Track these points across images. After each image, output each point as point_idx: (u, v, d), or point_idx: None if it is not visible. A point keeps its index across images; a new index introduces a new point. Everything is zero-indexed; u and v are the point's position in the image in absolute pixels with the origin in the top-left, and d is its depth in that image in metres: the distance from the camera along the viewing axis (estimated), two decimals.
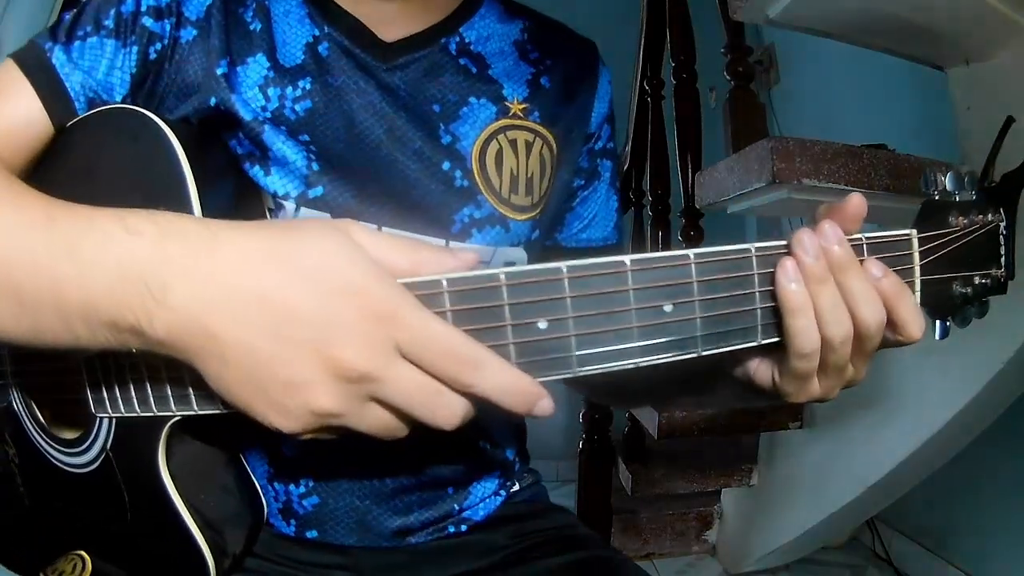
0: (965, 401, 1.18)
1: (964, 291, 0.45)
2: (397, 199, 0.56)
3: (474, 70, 0.60)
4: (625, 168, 2.06)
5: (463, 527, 0.64)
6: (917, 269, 0.44)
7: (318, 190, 0.54)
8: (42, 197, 0.40)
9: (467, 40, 0.61)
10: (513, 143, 0.59)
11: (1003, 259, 0.46)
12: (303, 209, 0.54)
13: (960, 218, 0.45)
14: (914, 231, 0.44)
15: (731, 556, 1.85)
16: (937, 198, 0.45)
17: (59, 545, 0.55)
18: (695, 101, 1.70)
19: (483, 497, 0.65)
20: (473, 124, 0.58)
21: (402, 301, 0.33)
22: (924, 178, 0.45)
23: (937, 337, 0.46)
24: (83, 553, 0.53)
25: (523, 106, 0.60)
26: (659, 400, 1.37)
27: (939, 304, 0.45)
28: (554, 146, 0.61)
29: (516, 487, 0.69)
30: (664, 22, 1.81)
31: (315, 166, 0.54)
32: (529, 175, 0.59)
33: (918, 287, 0.44)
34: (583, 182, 0.67)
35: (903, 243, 0.43)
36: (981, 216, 0.45)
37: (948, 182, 0.45)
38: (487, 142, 0.58)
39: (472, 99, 0.59)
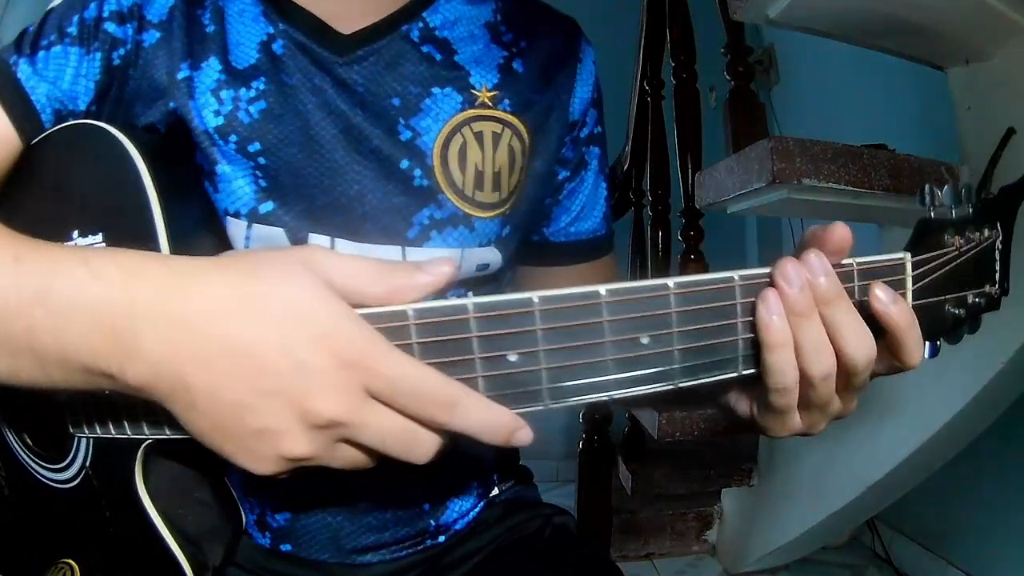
0: (965, 401, 1.17)
1: (957, 312, 0.43)
2: (350, 206, 0.53)
3: (438, 57, 0.56)
4: (625, 168, 2.06)
5: (440, 538, 0.62)
6: (909, 295, 0.41)
7: (268, 205, 0.52)
8: (6, 233, 0.39)
9: (431, 25, 0.57)
10: (479, 136, 0.55)
11: (998, 275, 0.44)
12: (255, 226, 0.52)
13: (956, 237, 0.42)
14: (908, 255, 0.41)
15: (731, 556, 1.85)
16: (933, 215, 0.42)
17: (48, 553, 0.54)
18: (695, 101, 1.69)
19: (461, 513, 0.63)
20: (436, 117, 0.54)
21: (371, 343, 0.33)
22: (920, 193, 0.43)
23: (926, 357, 0.43)
24: (71, 562, 0.53)
25: (492, 94, 0.56)
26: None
27: (931, 326, 0.42)
28: (525, 137, 0.57)
29: (495, 492, 0.67)
30: (664, 22, 1.81)
31: (263, 182, 0.52)
32: (496, 169, 0.56)
33: None
34: (569, 173, 0.63)
35: (896, 267, 0.41)
36: (978, 234, 0.43)
37: (945, 196, 0.42)
38: (450, 136, 0.54)
39: (435, 90, 0.55)
